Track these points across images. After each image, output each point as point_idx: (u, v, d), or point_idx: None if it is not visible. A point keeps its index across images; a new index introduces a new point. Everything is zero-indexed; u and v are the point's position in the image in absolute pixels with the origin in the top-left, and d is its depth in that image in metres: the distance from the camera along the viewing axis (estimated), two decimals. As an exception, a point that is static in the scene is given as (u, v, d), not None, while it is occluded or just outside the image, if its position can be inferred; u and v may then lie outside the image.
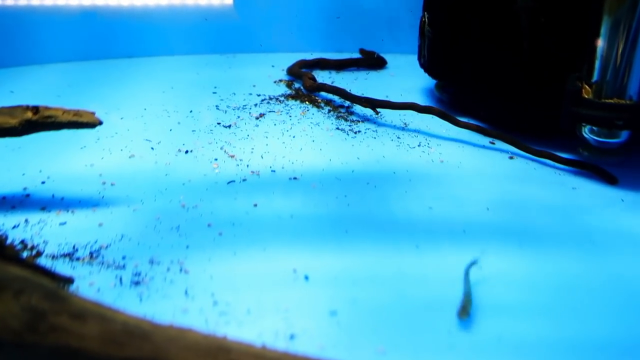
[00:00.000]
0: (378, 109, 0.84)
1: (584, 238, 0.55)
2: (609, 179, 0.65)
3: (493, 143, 0.75)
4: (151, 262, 0.50)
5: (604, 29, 0.62)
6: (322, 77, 1.08)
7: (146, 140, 0.76)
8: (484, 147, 0.76)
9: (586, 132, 0.65)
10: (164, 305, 0.45)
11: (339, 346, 0.41)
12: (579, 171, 0.69)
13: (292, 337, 0.42)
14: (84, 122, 0.54)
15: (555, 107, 0.67)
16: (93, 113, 0.56)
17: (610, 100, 0.62)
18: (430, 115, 0.81)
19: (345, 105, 0.90)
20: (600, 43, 0.62)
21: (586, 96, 0.64)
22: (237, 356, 0.35)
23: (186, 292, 0.46)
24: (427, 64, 0.87)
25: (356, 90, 0.94)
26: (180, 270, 0.49)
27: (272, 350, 0.36)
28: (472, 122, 0.76)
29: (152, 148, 0.74)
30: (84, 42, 1.14)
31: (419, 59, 0.90)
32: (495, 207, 0.61)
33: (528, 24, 0.69)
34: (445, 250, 0.53)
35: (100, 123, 0.56)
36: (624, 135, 0.63)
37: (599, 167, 0.66)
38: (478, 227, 0.57)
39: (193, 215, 0.58)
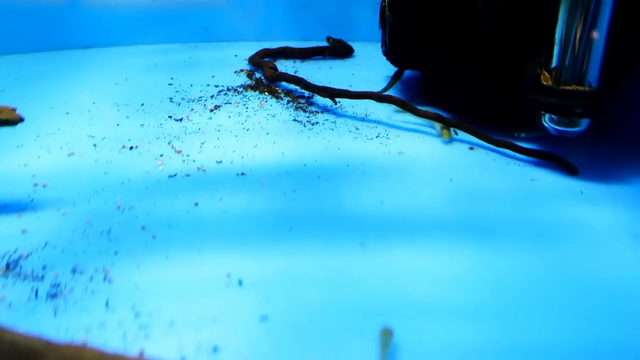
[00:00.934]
0: (337, 99, 0.81)
1: (539, 232, 0.53)
2: (570, 170, 0.62)
3: (456, 134, 0.72)
4: (73, 271, 0.46)
5: (562, 12, 0.58)
6: (286, 66, 1.04)
7: (90, 136, 0.72)
8: (447, 139, 0.73)
9: (546, 120, 0.62)
10: (81, 319, 0.41)
11: (265, 358, 0.38)
12: (539, 161, 0.66)
13: (215, 349, 0.39)
14: (2, 119, 0.50)
15: (516, 94, 0.64)
16: (14, 109, 0.52)
17: (569, 87, 0.59)
18: (393, 105, 0.78)
19: (305, 96, 0.87)
20: (559, 27, 0.59)
21: (545, 83, 0.61)
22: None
23: (107, 304, 0.43)
24: (389, 51, 0.84)
25: (320, 80, 0.90)
26: (104, 279, 0.46)
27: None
28: (432, 110, 0.72)
29: (95, 145, 0.70)
30: (36, 33, 1.09)
31: (382, 46, 0.87)
32: (450, 201, 0.58)
33: (485, 7, 0.66)
34: (393, 247, 0.50)
35: (22, 120, 0.52)
36: (584, 123, 0.61)
37: (559, 157, 0.63)
38: (430, 222, 0.54)
39: (127, 217, 0.54)
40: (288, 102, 0.85)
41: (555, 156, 0.63)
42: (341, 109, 0.82)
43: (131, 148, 0.69)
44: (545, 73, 0.62)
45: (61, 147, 0.69)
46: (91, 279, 0.46)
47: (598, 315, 0.43)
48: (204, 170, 0.64)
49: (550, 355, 0.39)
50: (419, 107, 0.74)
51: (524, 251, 0.50)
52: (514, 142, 0.67)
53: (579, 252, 0.50)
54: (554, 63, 0.61)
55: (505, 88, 0.68)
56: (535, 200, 0.58)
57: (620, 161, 0.67)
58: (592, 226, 0.54)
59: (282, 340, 0.40)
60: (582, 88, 0.59)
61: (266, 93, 0.89)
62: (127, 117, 0.79)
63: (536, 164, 0.66)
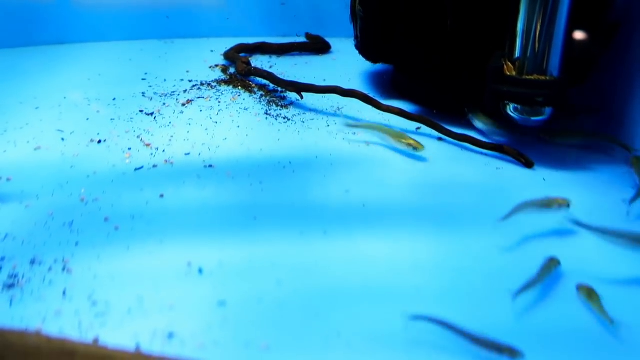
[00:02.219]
0: (303, 94, 0.81)
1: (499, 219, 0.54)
2: (527, 163, 0.63)
3: (419, 128, 0.73)
4: (32, 262, 0.46)
5: (522, 4, 0.59)
6: (262, 62, 1.04)
7: (58, 130, 0.72)
8: (415, 132, 0.73)
9: (511, 110, 0.63)
10: (36, 308, 0.41)
11: (221, 343, 0.38)
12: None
13: (170, 336, 0.39)
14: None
15: (482, 85, 0.65)
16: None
17: (531, 77, 0.60)
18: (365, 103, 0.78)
19: (279, 90, 0.87)
20: (520, 19, 0.60)
21: (509, 73, 0.61)
22: (82, 359, 0.32)
23: (64, 293, 0.43)
24: (361, 46, 0.84)
25: (295, 75, 0.90)
26: (63, 269, 0.45)
27: (122, 351, 0.33)
28: (395, 105, 0.73)
29: (63, 139, 0.70)
30: (7, 29, 1.08)
31: (354, 40, 0.87)
32: (415, 190, 0.59)
33: (451, 1, 0.67)
34: (355, 235, 0.51)
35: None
36: (547, 112, 0.62)
37: (517, 151, 0.64)
38: (394, 211, 0.55)
39: (91, 209, 0.54)
40: (261, 96, 0.85)
41: (513, 150, 0.64)
42: (313, 104, 0.82)
43: (99, 142, 0.69)
44: (509, 64, 0.63)
45: (28, 142, 0.68)
46: (50, 269, 0.45)
47: (555, 297, 0.44)
48: (171, 163, 0.64)
49: (507, 336, 0.40)
50: (390, 102, 0.75)
51: (485, 237, 0.51)
52: (473, 136, 0.67)
53: (540, 236, 0.51)
54: (516, 54, 0.62)
55: (472, 80, 0.69)
56: (499, 189, 0.59)
57: (583, 150, 0.68)
58: (557, 213, 0.54)
59: (238, 326, 0.40)
60: (543, 77, 0.60)
61: (240, 87, 0.89)
62: (98, 111, 0.78)
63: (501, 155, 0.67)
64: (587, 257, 0.49)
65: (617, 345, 0.40)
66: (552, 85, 0.59)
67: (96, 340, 0.38)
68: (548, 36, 0.58)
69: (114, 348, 0.33)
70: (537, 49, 0.59)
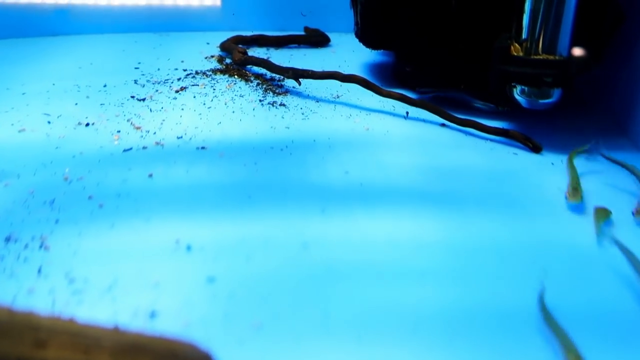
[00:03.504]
0: (301, 80, 0.78)
1: (506, 202, 0.50)
2: (534, 148, 0.60)
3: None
4: (7, 239, 0.43)
5: (530, -18, 0.57)
6: (260, 54, 1.01)
7: (44, 114, 0.69)
8: (416, 118, 0.71)
9: (517, 93, 0.60)
10: (8, 286, 0.38)
11: (210, 322, 0.35)
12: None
13: (153, 314, 0.35)
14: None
15: (487, 68, 0.62)
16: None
17: (538, 57, 0.57)
18: (364, 88, 0.76)
19: (276, 79, 0.84)
20: (528, -2, 0.57)
21: (516, 54, 0.59)
22: (47, 335, 0.28)
23: (39, 271, 0.39)
24: (361, 33, 0.82)
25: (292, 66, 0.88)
26: (40, 246, 0.42)
27: (96, 326, 0.30)
28: (396, 91, 0.70)
29: (49, 122, 0.66)
30: (1, 20, 1.05)
31: (354, 27, 0.85)
32: (418, 173, 0.56)
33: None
34: (355, 213, 0.47)
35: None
36: (555, 94, 0.59)
37: (524, 135, 0.61)
38: (395, 192, 0.52)
39: (75, 188, 0.51)
40: (258, 84, 0.82)
41: (520, 134, 0.61)
42: (311, 91, 0.79)
43: (87, 125, 0.66)
44: (516, 45, 0.60)
45: (12, 124, 0.65)
46: (26, 246, 0.42)
47: (556, 276, 0.41)
48: (162, 145, 0.61)
49: (508, 315, 0.37)
50: (390, 89, 0.72)
51: (489, 219, 0.48)
52: (478, 121, 0.65)
53: (544, 219, 0.48)
54: (524, 35, 0.60)
55: (476, 63, 0.66)
56: (505, 173, 0.56)
57: (591, 135, 0.65)
58: (562, 195, 0.52)
59: (227, 304, 0.37)
60: (552, 57, 0.57)
61: (236, 76, 0.86)
62: (87, 97, 0.75)
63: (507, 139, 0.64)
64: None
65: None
66: (561, 65, 0.56)
67: (37, 315, 0.34)
68: (557, 15, 0.56)
69: (85, 322, 0.30)
70: (545, 29, 0.57)
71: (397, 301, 0.38)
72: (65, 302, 0.36)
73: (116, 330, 0.31)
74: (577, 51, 0.58)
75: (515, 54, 0.60)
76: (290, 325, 0.35)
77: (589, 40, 0.64)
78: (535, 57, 0.58)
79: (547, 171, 0.57)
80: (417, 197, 0.51)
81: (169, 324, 0.35)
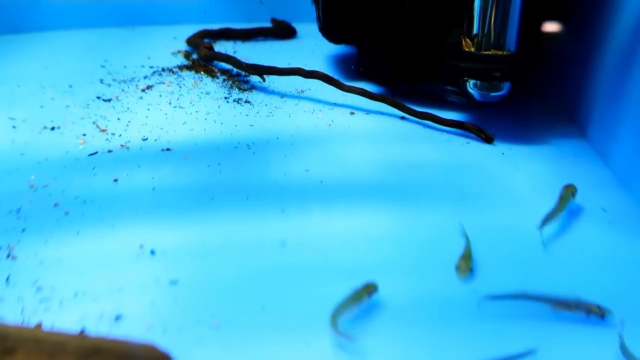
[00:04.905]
0: (265, 76, 0.79)
1: (459, 193, 0.53)
2: (486, 139, 0.63)
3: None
4: (-26, 249, 0.44)
5: (478, -22, 0.59)
6: (227, 47, 1.02)
7: (9, 118, 0.69)
8: (378, 112, 0.73)
9: (471, 86, 0.63)
10: (-24, 295, 0.40)
11: (170, 324, 0.37)
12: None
13: (117, 318, 0.38)
14: None
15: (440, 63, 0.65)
16: None
17: (488, 52, 0.60)
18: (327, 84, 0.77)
19: (242, 75, 0.85)
20: (477, -6, 0.59)
21: (467, 49, 0.61)
22: (15, 343, 0.31)
23: (7, 280, 0.41)
24: (323, 27, 0.83)
25: (259, 60, 0.89)
26: (8, 256, 0.44)
27: (59, 333, 0.32)
28: (357, 85, 0.72)
29: (14, 127, 0.67)
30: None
31: (317, 22, 0.86)
32: (376, 168, 0.58)
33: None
34: (313, 212, 0.50)
35: None
36: (505, 87, 0.62)
37: (477, 127, 0.64)
38: (353, 187, 0.54)
39: (40, 195, 0.52)
40: (224, 80, 0.83)
41: (473, 126, 0.64)
42: (276, 87, 0.81)
43: (52, 129, 0.66)
44: (467, 40, 0.63)
45: (-24, 130, 0.66)
46: (-7, 256, 0.44)
47: (507, 264, 0.44)
48: (127, 148, 0.62)
49: (459, 304, 0.40)
50: (355, 84, 0.74)
51: (442, 212, 0.51)
52: (433, 113, 0.67)
53: (497, 208, 0.51)
54: (474, 30, 0.62)
55: (432, 58, 0.68)
56: (459, 165, 0.59)
57: (541, 124, 0.69)
58: (512, 184, 0.55)
59: (188, 305, 0.39)
60: (500, 52, 0.60)
61: (202, 72, 0.87)
62: (52, 98, 0.76)
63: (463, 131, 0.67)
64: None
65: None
66: (509, 60, 0.59)
67: (39, 325, 0.36)
68: (504, 12, 0.58)
69: (50, 331, 0.32)
70: (494, 25, 0.59)
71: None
72: (33, 309, 0.38)
73: (79, 336, 0.33)
74: (525, 45, 0.61)
75: (467, 49, 0.62)
76: (247, 324, 0.38)
77: (537, 34, 0.66)
78: (484, 52, 0.61)
79: (497, 161, 0.60)
80: (373, 192, 0.54)
81: (133, 327, 0.37)
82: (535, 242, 0.47)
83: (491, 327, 0.38)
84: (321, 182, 0.55)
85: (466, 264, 0.41)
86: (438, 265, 0.44)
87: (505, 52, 0.60)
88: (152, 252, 0.44)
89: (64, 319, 0.37)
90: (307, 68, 0.78)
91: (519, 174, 0.57)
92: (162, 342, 0.35)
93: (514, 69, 0.59)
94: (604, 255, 0.46)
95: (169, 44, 1.02)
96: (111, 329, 0.37)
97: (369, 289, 0.39)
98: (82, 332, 0.36)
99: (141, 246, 0.45)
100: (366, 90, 0.72)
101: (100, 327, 0.37)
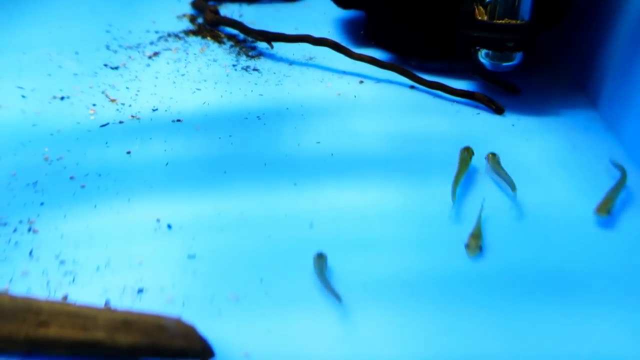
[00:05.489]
0: (273, 43, 0.78)
1: (470, 166, 0.54)
2: (497, 109, 0.63)
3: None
4: (-3, 223, 0.46)
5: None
6: (232, 10, 1.00)
7: (18, 87, 0.69)
8: (388, 80, 0.72)
9: (482, 56, 0.62)
10: (3, 269, 0.41)
11: (190, 297, 0.39)
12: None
13: (140, 291, 0.39)
14: None
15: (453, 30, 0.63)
16: None
17: (501, 21, 0.59)
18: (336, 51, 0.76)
19: (249, 40, 0.84)
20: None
21: (480, 18, 0.60)
22: (48, 317, 0.32)
23: (31, 254, 0.43)
24: (333, -9, 0.81)
25: (265, 24, 0.87)
26: (29, 230, 0.45)
27: (89, 307, 0.34)
28: (367, 54, 0.71)
29: (24, 96, 0.67)
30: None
31: (326, -15, 0.84)
32: (386, 139, 0.59)
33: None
34: (324, 186, 0.51)
35: None
36: (517, 57, 0.61)
37: (488, 97, 0.63)
38: (364, 160, 0.55)
39: (56, 168, 0.53)
40: (231, 47, 0.82)
41: (483, 96, 0.64)
42: (284, 53, 0.80)
43: (62, 98, 0.66)
44: (480, 8, 0.61)
45: (-14, 100, 0.66)
46: (15, 230, 0.45)
47: (519, 242, 0.45)
48: (138, 119, 0.62)
49: (471, 281, 0.41)
50: (363, 50, 0.73)
51: (449, 186, 0.51)
52: (443, 83, 0.67)
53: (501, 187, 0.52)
54: (487, -2, 0.61)
55: (444, 26, 0.67)
56: (469, 137, 0.59)
57: (552, 95, 0.68)
58: (523, 158, 0.55)
59: (207, 278, 0.41)
60: (514, 21, 0.59)
61: (208, 38, 0.85)
62: (60, 66, 0.75)
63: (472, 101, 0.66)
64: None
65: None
66: (522, 29, 0.58)
67: (65, 298, 0.38)
68: (520, -23, 0.56)
69: (80, 304, 0.34)
70: (508, -8, 0.58)
71: (360, 269, 0.42)
72: (59, 282, 0.40)
73: (108, 309, 0.35)
74: (538, 14, 0.60)
75: (480, 17, 0.61)
76: (264, 295, 0.39)
77: (550, 2, 0.65)
78: (498, 21, 0.59)
79: (507, 133, 0.60)
80: (383, 165, 0.54)
81: (154, 300, 0.39)
82: (546, 217, 0.48)
83: (498, 304, 0.40)
84: (332, 155, 0.56)
85: (476, 243, 0.42)
86: (443, 240, 0.45)
87: (519, 21, 0.59)
88: (169, 227, 0.46)
89: (88, 292, 0.39)
90: (316, 35, 0.76)
91: (529, 148, 0.57)
92: (183, 314, 0.37)
93: (527, 39, 0.58)
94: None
95: (174, 7, 1.00)
96: (134, 302, 0.38)
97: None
98: (106, 305, 0.37)
99: (158, 220, 0.46)
100: (376, 59, 0.71)
101: (123, 299, 0.38)
